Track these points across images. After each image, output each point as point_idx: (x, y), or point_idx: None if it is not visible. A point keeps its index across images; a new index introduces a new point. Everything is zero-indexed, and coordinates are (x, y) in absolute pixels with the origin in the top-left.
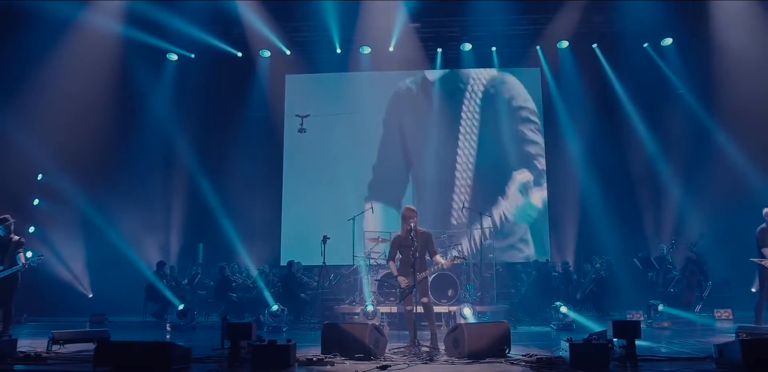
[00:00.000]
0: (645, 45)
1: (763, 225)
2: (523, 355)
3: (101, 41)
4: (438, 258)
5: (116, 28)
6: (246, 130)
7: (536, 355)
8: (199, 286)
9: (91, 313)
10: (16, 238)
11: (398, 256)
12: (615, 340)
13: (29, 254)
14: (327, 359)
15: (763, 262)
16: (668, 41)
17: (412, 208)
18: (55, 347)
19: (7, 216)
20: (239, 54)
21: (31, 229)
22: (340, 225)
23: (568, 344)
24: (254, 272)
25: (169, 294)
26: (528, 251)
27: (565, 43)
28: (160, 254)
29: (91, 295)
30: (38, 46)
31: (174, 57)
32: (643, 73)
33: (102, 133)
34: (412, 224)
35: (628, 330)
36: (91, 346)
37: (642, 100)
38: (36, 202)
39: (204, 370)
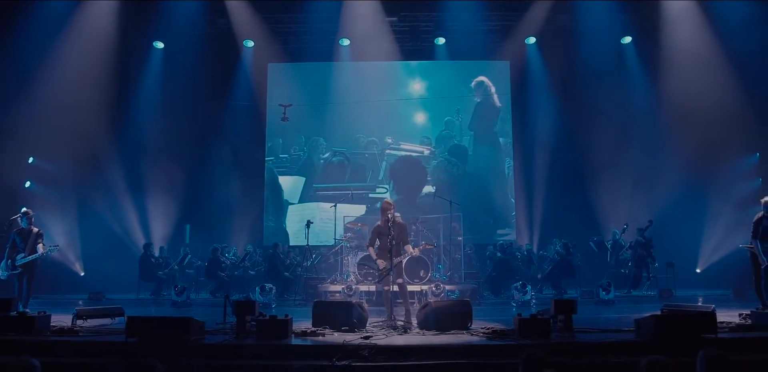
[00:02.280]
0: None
1: (760, 214)
2: (482, 328)
3: (94, 27)
4: (408, 247)
5: (108, 16)
6: (232, 116)
7: (492, 328)
8: (188, 266)
9: (89, 291)
10: (36, 229)
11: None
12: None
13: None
14: (318, 331)
15: (752, 249)
16: (627, 39)
17: (390, 201)
18: (78, 322)
19: (29, 210)
20: (225, 43)
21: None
22: (321, 209)
23: (517, 319)
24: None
25: (160, 274)
26: (495, 235)
27: (532, 39)
28: (149, 235)
29: (83, 274)
30: (31, 32)
31: (160, 45)
32: (604, 68)
33: (93, 118)
34: (389, 215)
35: (567, 307)
36: (108, 320)
37: (601, 93)
38: (27, 184)
39: (217, 340)
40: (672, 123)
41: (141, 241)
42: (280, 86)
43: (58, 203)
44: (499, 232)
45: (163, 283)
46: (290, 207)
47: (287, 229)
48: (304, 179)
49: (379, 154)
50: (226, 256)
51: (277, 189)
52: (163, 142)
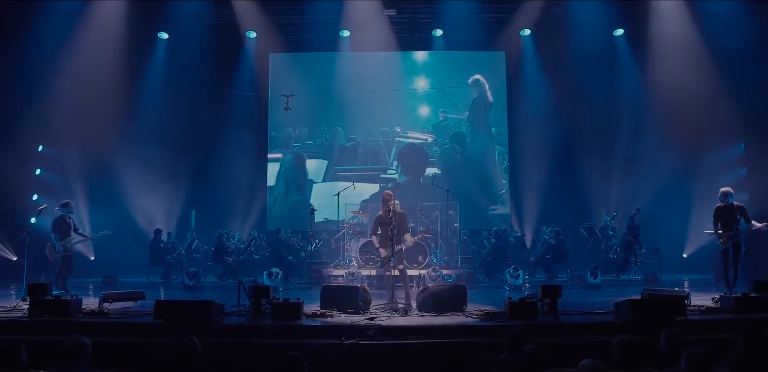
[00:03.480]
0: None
1: (719, 203)
2: (476, 310)
3: (103, 21)
4: (407, 236)
5: (117, 9)
6: (235, 105)
7: (485, 310)
8: (195, 251)
9: (103, 275)
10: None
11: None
12: None
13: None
14: (327, 313)
15: (714, 235)
16: (619, 32)
17: (391, 192)
18: (105, 304)
19: (69, 200)
20: (229, 34)
21: (35, 197)
22: (341, 187)
23: (508, 302)
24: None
25: (169, 258)
26: (488, 209)
27: (527, 31)
28: (157, 221)
29: (93, 258)
30: (44, 28)
31: (165, 35)
32: (596, 59)
33: (101, 107)
34: (390, 206)
35: (553, 291)
36: (131, 303)
37: (593, 85)
38: (38, 171)
39: (236, 321)
40: (661, 114)
41: (148, 226)
42: (283, 76)
43: (67, 190)
44: (491, 207)
45: (171, 268)
46: (315, 185)
47: (312, 203)
48: (326, 162)
49: (390, 141)
50: (231, 241)
51: (304, 170)
52: (169, 130)
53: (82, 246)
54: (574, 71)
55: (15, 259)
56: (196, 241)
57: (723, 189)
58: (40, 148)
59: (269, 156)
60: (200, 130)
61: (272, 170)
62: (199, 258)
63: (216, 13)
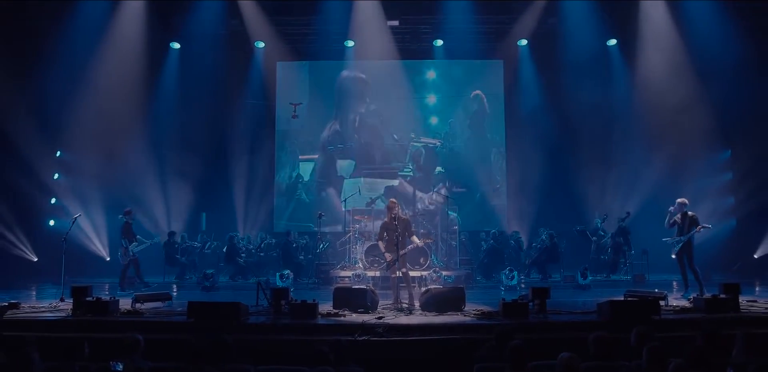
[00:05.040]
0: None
1: (676, 213)
2: (473, 310)
3: (120, 32)
4: (414, 238)
5: (134, 21)
6: (245, 112)
7: (482, 310)
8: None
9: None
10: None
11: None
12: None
13: None
14: (340, 313)
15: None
16: (613, 42)
17: (395, 201)
18: (137, 305)
19: (130, 208)
20: (239, 44)
21: (53, 201)
22: (365, 182)
23: (502, 302)
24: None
25: (183, 260)
26: (488, 224)
27: (524, 41)
28: (170, 223)
29: (108, 259)
30: (62, 34)
31: (177, 45)
32: (590, 68)
33: (118, 114)
34: (394, 214)
35: (542, 293)
36: (160, 304)
37: (587, 92)
38: (56, 176)
39: (259, 320)
40: (651, 120)
41: (161, 228)
42: (292, 84)
43: (84, 194)
44: (489, 199)
45: (186, 268)
46: (345, 181)
47: (343, 195)
48: (354, 162)
49: (406, 144)
50: (241, 243)
51: (335, 168)
52: (181, 136)
53: (98, 248)
54: (568, 78)
55: (36, 260)
56: (208, 242)
57: (679, 200)
58: (58, 153)
59: (306, 157)
60: (211, 136)
61: (309, 167)
62: (211, 258)
63: (226, 23)
